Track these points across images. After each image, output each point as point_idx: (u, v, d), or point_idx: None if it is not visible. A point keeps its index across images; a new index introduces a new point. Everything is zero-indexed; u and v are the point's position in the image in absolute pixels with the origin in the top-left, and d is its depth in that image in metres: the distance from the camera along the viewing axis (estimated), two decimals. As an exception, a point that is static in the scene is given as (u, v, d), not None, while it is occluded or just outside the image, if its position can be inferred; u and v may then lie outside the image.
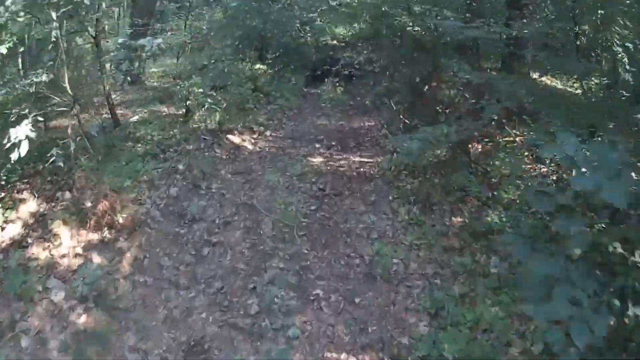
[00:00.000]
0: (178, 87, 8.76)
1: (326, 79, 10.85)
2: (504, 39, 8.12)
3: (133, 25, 11.07)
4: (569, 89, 9.39)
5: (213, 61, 11.14)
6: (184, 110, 8.63)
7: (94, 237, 5.44)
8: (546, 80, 9.55)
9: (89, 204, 5.51)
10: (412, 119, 7.68)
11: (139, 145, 7.36)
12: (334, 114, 10.13)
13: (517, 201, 5.84)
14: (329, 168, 7.69)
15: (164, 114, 9.00)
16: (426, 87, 6.94)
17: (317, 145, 8.67)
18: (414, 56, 8.17)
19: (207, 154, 7.68)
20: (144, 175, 6.52)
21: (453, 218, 5.91)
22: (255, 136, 9.14)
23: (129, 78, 10.19)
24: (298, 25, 11.42)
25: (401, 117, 7.73)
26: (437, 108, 6.97)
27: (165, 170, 6.75)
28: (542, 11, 11.78)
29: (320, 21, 12.22)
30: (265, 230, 5.56)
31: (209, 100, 8.67)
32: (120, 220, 5.44)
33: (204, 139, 8.09)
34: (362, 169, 7.56)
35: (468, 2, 8.78)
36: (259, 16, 11.65)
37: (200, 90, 8.74)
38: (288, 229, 5.61)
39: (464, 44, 8.76)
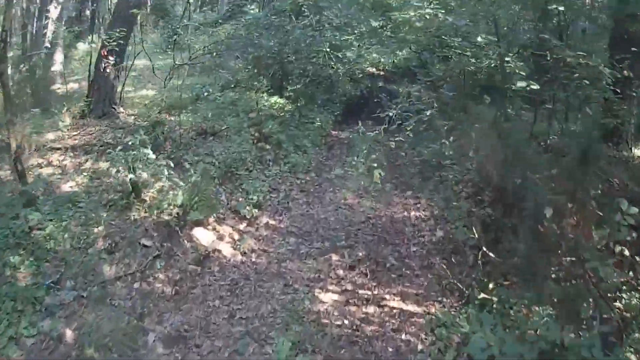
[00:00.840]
0: (119, 149, 5.23)
1: (358, 123, 7.10)
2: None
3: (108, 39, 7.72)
4: None
5: (206, 93, 7.66)
6: (129, 186, 5.14)
7: None
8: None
9: None
10: (504, 262, 3.94)
11: (26, 265, 3.94)
12: (365, 187, 6.48)
13: None
14: (347, 323, 4.08)
15: (108, 181, 5.53)
16: (551, 212, 3.11)
17: (335, 258, 5.05)
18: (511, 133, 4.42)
19: (136, 286, 4.15)
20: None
21: None
22: (242, 227, 5.58)
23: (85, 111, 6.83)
24: (328, 50, 7.75)
25: (484, 248, 3.99)
26: (570, 264, 3.18)
27: (36, 346, 3.30)
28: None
29: (358, 45, 8.48)
30: None
31: (167, 172, 5.19)
32: None
33: (144, 246, 4.58)
34: (404, 337, 3.91)
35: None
36: (277, 34, 8.06)
37: (155, 156, 5.26)
38: None
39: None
